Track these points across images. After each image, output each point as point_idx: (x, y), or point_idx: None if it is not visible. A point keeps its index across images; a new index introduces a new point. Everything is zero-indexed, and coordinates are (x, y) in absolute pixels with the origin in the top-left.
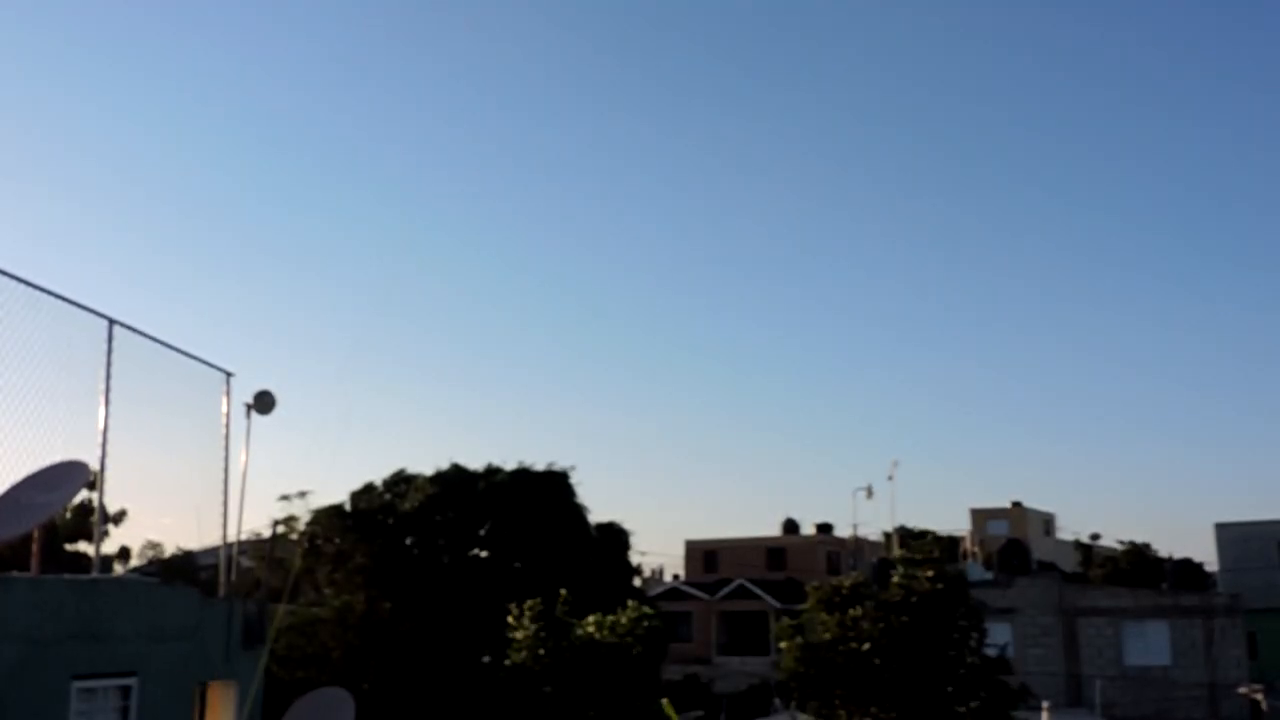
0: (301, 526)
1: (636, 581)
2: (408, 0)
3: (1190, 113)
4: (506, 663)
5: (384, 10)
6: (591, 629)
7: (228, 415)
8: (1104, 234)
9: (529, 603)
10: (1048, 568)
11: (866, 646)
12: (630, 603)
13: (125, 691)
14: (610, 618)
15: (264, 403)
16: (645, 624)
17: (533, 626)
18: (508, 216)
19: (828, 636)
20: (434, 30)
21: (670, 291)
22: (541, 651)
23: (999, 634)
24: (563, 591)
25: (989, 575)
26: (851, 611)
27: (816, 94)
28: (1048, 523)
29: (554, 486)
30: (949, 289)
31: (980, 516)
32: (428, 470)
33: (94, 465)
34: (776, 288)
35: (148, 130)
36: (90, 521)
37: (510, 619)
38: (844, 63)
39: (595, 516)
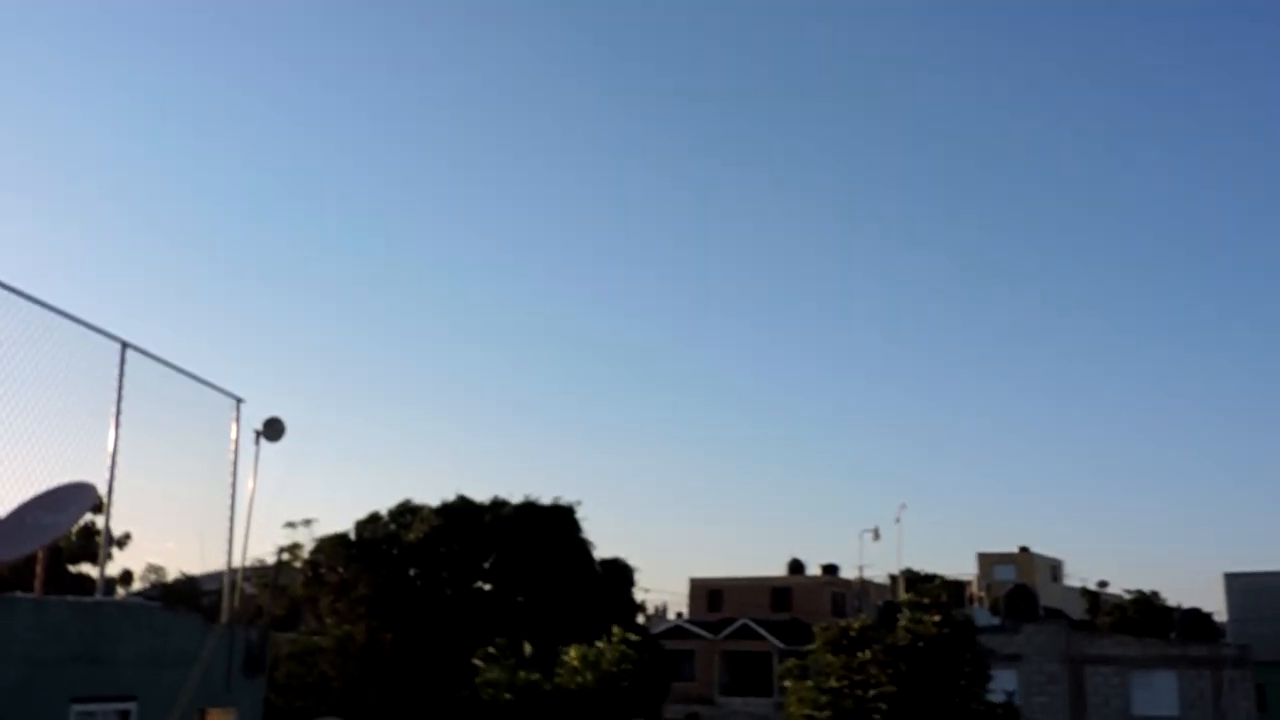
0: (306, 554)
1: (640, 618)
2: (423, 55)
3: (1211, 179)
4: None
5: (407, 65)
6: (575, 663)
7: (236, 441)
8: (1111, 285)
9: (499, 642)
10: (1055, 614)
11: (874, 692)
12: (615, 630)
13: (124, 716)
14: (595, 648)
15: (274, 430)
16: (633, 656)
17: (498, 670)
18: (520, 257)
19: (834, 682)
20: (449, 81)
21: (680, 332)
22: (508, 696)
23: (1005, 681)
24: (527, 646)
25: (995, 621)
26: (859, 655)
27: (819, 141)
28: (1055, 569)
29: (560, 521)
30: (959, 334)
31: (987, 561)
32: (434, 501)
33: (101, 488)
34: (786, 330)
35: (167, 158)
36: (95, 543)
37: (477, 660)
38: (846, 109)
39: (600, 552)
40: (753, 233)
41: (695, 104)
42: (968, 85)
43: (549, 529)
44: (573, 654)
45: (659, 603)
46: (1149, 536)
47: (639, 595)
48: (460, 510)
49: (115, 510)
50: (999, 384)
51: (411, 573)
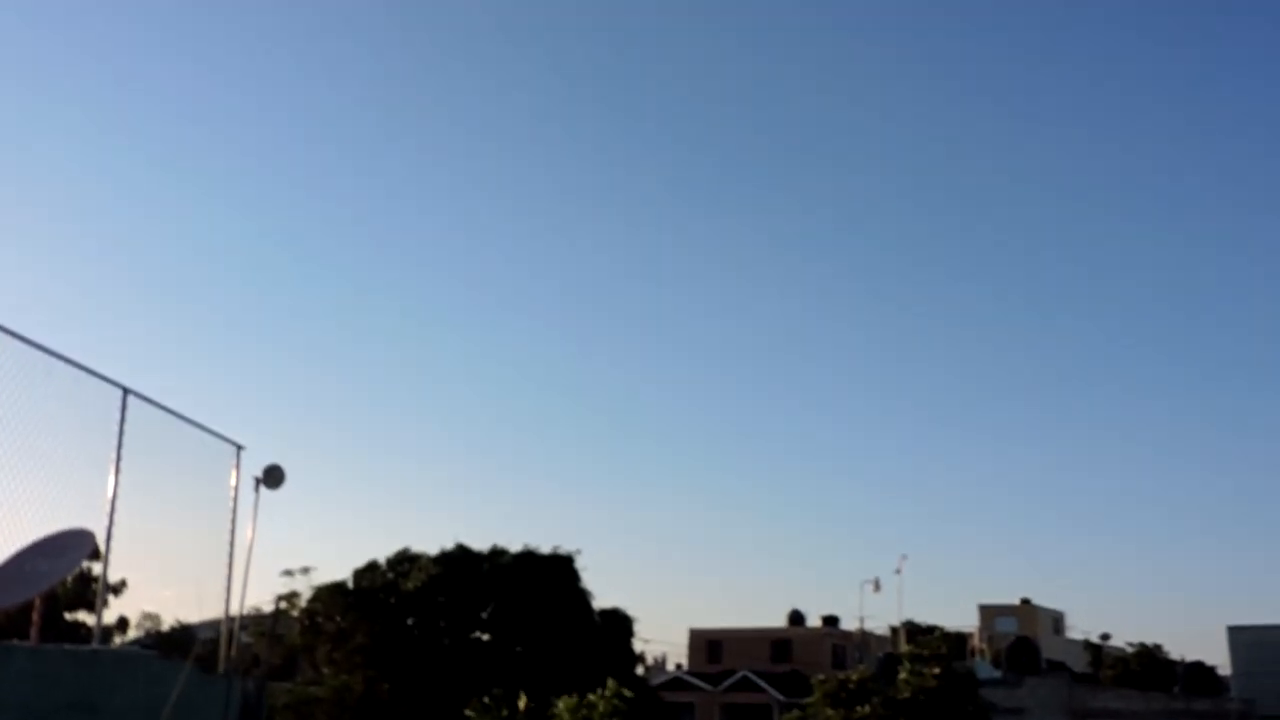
0: (303, 603)
1: (639, 669)
2: (423, 112)
3: (1217, 233)
4: None
5: (406, 122)
6: (566, 716)
7: (236, 488)
8: (1111, 339)
9: (495, 693)
10: (1057, 667)
11: None
12: (610, 682)
13: None
14: (587, 700)
15: (273, 477)
16: (624, 710)
17: None
18: (520, 308)
19: None
20: (448, 138)
21: (680, 383)
22: None
23: None
24: (522, 697)
25: (997, 674)
26: (859, 709)
27: (816, 198)
28: (1057, 621)
29: (559, 570)
30: (959, 385)
31: (989, 613)
32: (432, 549)
33: (100, 534)
34: (786, 380)
35: (168, 208)
36: (91, 590)
37: (470, 712)
38: (842, 168)
39: (600, 602)
40: (752, 289)
41: (698, 159)
42: (975, 148)
43: (548, 578)
44: (562, 706)
45: (659, 653)
46: (1152, 589)
47: (638, 646)
48: (458, 559)
49: (113, 557)
50: (999, 435)
51: (409, 622)
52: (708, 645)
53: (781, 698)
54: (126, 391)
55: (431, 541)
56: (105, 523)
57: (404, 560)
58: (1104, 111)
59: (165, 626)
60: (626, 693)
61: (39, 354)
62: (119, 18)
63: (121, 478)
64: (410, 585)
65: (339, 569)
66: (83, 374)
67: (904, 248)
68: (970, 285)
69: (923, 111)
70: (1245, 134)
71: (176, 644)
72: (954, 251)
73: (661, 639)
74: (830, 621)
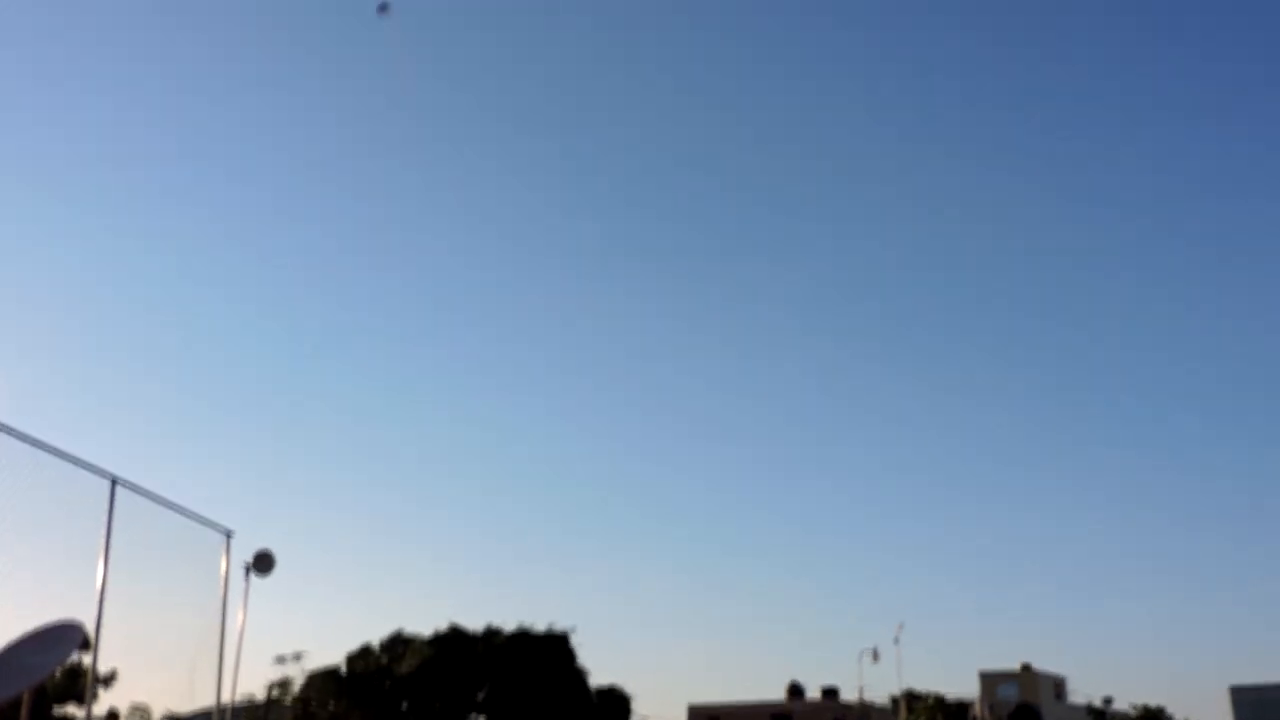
0: (296, 690)
1: None
2: (408, 189)
3: (1220, 303)
4: None
5: (399, 199)
6: None
7: (226, 575)
8: (1105, 401)
9: None
10: None
11: None
12: None
13: None
14: None
15: (264, 563)
16: None
17: None
18: (510, 384)
19: None
20: (433, 209)
21: (675, 455)
22: None
23: None
24: None
25: None
26: None
27: (805, 270)
28: (1059, 686)
29: (554, 649)
30: (957, 450)
31: (990, 681)
32: (426, 631)
33: (89, 625)
34: (780, 448)
35: (152, 289)
36: (81, 683)
37: None
38: (842, 239)
39: (596, 678)
40: (748, 363)
41: (690, 236)
42: (969, 211)
43: (543, 658)
44: None
45: None
46: (1153, 650)
47: None
48: (453, 640)
49: (102, 647)
50: (996, 500)
51: (404, 707)
52: None
53: None
54: (115, 481)
55: (425, 621)
56: (95, 613)
57: (397, 642)
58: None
59: (156, 718)
60: None
61: (26, 446)
62: (102, 99)
63: (111, 567)
64: (404, 668)
65: (332, 652)
66: (71, 464)
67: (901, 317)
68: (966, 350)
69: (942, 188)
70: None
71: None
72: (950, 318)
73: (660, 715)
74: (830, 693)
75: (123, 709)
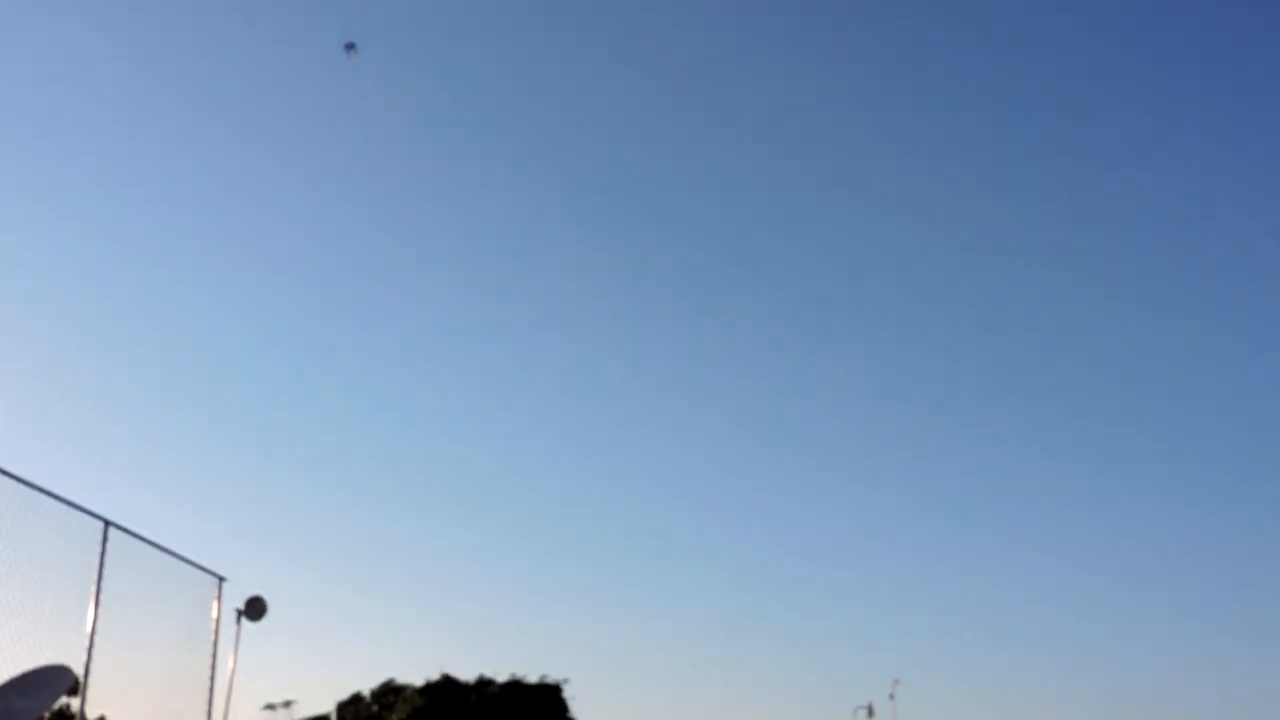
0: None
1: None
2: (417, 232)
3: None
4: None
5: (399, 247)
6: None
7: (218, 621)
8: (1111, 449)
9: None
10: None
11: None
12: None
13: None
14: None
15: (256, 610)
16: None
17: None
18: (505, 430)
19: None
20: (434, 249)
21: (669, 502)
22: None
23: None
24: None
25: None
26: None
27: (813, 327)
28: None
29: (547, 700)
30: (957, 505)
31: None
32: (418, 680)
33: (79, 669)
34: (778, 499)
35: (145, 324)
36: None
37: None
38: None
39: None
40: (742, 430)
41: (709, 286)
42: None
43: (536, 709)
44: None
45: None
46: (1155, 705)
47: None
48: (444, 689)
49: (91, 692)
50: (997, 554)
51: None
52: None
53: None
54: (108, 524)
55: (417, 670)
56: (84, 657)
57: (389, 692)
58: None
59: None
60: None
61: (18, 487)
62: (101, 130)
63: (102, 610)
64: (395, 718)
65: (323, 700)
66: (64, 506)
67: (901, 354)
68: (963, 403)
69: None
70: None
71: None
72: (943, 399)
73: None
74: None
75: None
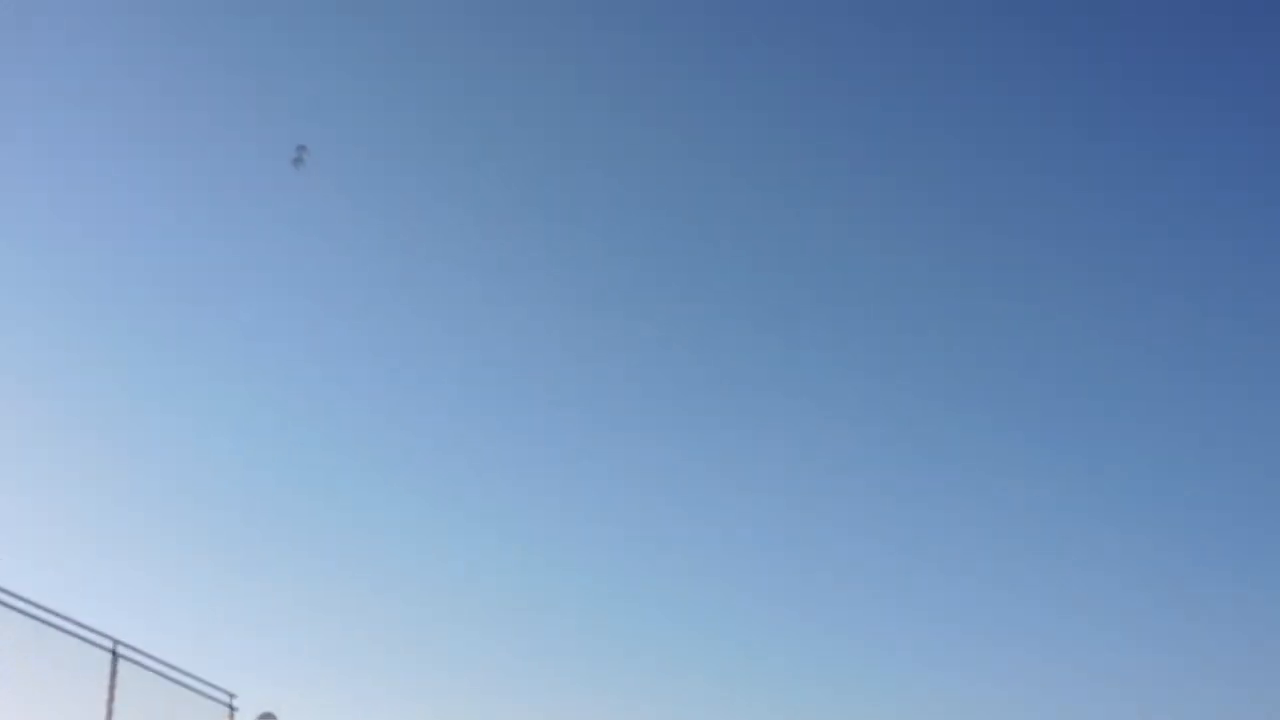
0: None
1: None
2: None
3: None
4: None
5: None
6: None
7: None
8: (1111, 533)
9: None
10: None
11: None
12: None
13: None
14: None
15: None
16: None
17: None
18: (507, 528)
19: None
20: (432, 364)
21: (662, 597)
22: None
23: None
24: None
25: None
26: None
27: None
28: None
29: None
30: (959, 604)
31: None
32: None
33: None
34: (775, 600)
35: (150, 433)
36: None
37: None
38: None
39: None
40: (747, 497)
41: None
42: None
43: None
44: None
45: None
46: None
47: None
48: None
49: None
50: (999, 655)
51: None
52: None
53: None
54: (116, 647)
55: None
56: None
57: None
58: None
59: None
60: None
61: (24, 612)
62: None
63: None
64: None
65: None
66: (72, 629)
67: (899, 449)
68: (965, 496)
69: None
70: None
71: None
72: (964, 456)
73: None
74: None
75: None
